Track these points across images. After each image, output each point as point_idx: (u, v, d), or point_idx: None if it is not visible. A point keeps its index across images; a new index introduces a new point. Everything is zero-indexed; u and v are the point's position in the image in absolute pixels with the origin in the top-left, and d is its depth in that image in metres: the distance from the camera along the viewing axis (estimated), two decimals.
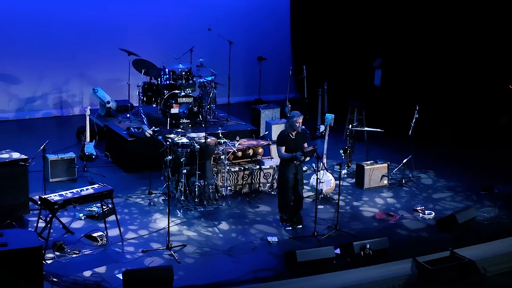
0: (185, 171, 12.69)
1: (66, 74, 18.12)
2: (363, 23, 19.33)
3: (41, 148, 12.41)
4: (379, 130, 14.63)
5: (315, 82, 17.32)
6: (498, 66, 17.04)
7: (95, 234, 11.28)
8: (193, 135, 13.36)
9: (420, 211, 12.95)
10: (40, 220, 11.33)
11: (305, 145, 12.05)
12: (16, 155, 11.95)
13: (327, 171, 13.25)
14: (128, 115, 16.10)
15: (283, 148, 11.90)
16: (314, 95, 17.05)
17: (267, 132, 15.54)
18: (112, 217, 11.64)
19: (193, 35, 17.80)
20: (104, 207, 11.71)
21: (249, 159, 13.92)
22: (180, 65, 15.82)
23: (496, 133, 16.63)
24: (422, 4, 18.11)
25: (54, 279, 9.93)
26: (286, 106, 16.98)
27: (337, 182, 12.89)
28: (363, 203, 13.43)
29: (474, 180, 14.61)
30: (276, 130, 15.22)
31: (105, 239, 11.25)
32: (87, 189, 11.39)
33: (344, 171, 14.46)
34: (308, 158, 12.02)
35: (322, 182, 13.06)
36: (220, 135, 13.77)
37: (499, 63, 17.03)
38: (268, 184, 13.72)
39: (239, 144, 13.81)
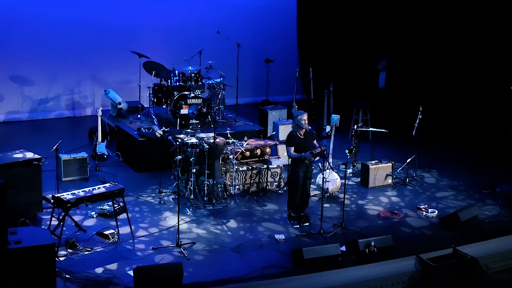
0: (194, 170, 12.79)
1: (78, 76, 18.27)
2: (369, 26, 19.38)
3: (54, 148, 12.49)
4: (384, 130, 14.70)
5: (321, 84, 17.31)
6: (501, 67, 17.09)
7: (106, 232, 11.37)
8: (202, 135, 13.45)
9: (423, 209, 13.04)
10: (53, 218, 11.42)
11: (315, 142, 12.13)
12: (29, 155, 12.05)
13: (333, 170, 13.36)
14: (139, 116, 16.18)
15: (292, 148, 11.96)
16: (321, 96, 17.02)
17: (274, 133, 15.53)
18: (123, 215, 11.77)
19: (202, 38, 17.83)
20: (115, 205, 11.74)
21: (257, 159, 13.99)
22: (190, 67, 15.91)
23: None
24: (426, 6, 18.20)
25: (67, 276, 10.02)
26: (293, 107, 16.84)
27: (343, 181, 12.96)
28: (368, 202, 13.52)
29: (476, 179, 14.68)
30: (283, 130, 15.36)
31: (117, 237, 11.34)
32: (99, 188, 11.45)
33: (349, 170, 14.51)
34: (317, 158, 12.09)
35: (328, 181, 13.16)
36: (229, 135, 13.90)
37: (502, 64, 17.08)
38: (275, 183, 13.82)
39: (247, 144, 13.92)
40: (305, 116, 11.97)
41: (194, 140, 13.08)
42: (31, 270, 8.91)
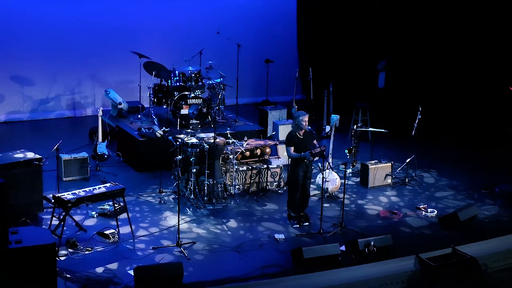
0: (194, 170, 12.82)
1: (79, 76, 18.27)
2: (369, 26, 19.43)
3: (54, 148, 12.53)
4: (383, 130, 14.72)
5: (321, 84, 17.29)
6: (501, 67, 17.12)
7: (107, 232, 11.40)
8: (202, 135, 13.47)
9: (423, 209, 13.07)
10: (54, 218, 11.43)
11: (315, 142, 12.17)
12: (30, 154, 12.08)
13: (333, 170, 13.38)
14: (139, 116, 16.21)
15: (291, 148, 11.99)
16: (320, 97, 16.97)
17: (274, 133, 15.56)
18: (123, 215, 11.79)
19: (202, 38, 17.90)
20: (116, 205, 11.77)
21: (257, 159, 14.01)
22: (190, 67, 15.93)
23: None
24: (426, 6, 18.25)
25: (67, 275, 10.05)
26: (293, 107, 16.88)
27: (342, 181, 13.00)
28: (368, 202, 13.54)
29: (476, 179, 14.70)
30: (283, 130, 15.36)
31: (117, 237, 11.37)
32: (99, 188, 11.48)
33: (349, 170, 14.55)
34: (316, 158, 12.14)
35: (328, 181, 13.18)
36: (229, 135, 13.91)
37: (501, 64, 17.11)
38: (275, 183, 13.84)
39: (247, 144, 13.94)
40: (306, 118, 12.01)
41: (194, 140, 13.10)
42: (32, 269, 8.91)
